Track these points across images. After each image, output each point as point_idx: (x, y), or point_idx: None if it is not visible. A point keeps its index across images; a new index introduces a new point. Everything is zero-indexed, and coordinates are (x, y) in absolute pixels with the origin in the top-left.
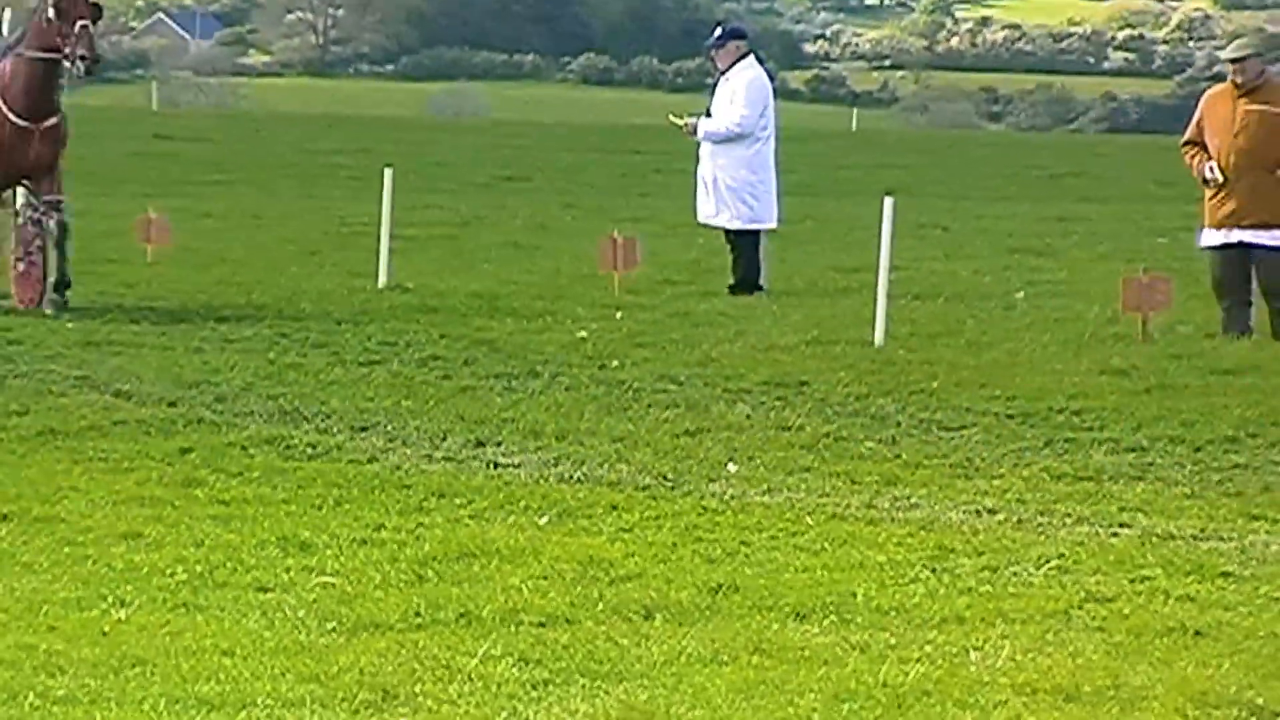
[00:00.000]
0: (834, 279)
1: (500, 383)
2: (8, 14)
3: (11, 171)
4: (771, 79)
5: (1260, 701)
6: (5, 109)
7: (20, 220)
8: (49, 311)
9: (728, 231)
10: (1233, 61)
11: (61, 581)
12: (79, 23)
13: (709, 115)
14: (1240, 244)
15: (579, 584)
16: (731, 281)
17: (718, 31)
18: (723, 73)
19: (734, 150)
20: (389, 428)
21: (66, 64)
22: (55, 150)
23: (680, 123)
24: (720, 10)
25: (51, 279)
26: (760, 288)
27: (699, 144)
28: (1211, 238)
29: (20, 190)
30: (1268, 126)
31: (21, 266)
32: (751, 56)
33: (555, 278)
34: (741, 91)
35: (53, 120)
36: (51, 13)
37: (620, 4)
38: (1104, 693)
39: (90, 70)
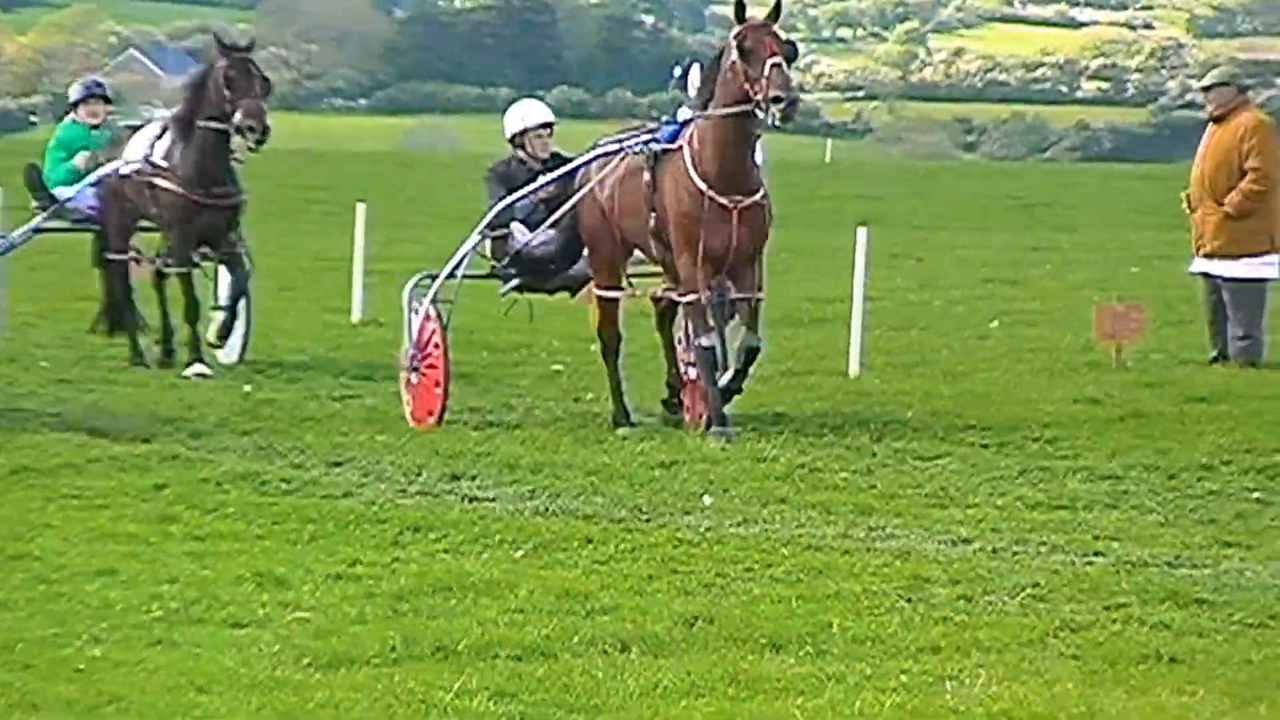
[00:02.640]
0: (809, 309)
1: (476, 416)
2: (695, 72)
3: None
4: None
5: None
6: (696, 180)
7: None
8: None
9: None
10: (1204, 90)
11: (36, 619)
12: (770, 62)
13: None
14: (1206, 273)
15: (555, 617)
16: None
17: (677, 70)
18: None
19: None
20: (364, 462)
21: (763, 113)
22: (760, 234)
23: None
24: (694, 42)
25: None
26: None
27: None
28: (1193, 265)
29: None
30: (1222, 155)
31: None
32: None
33: (530, 311)
34: None
35: (758, 195)
36: (736, 54)
37: (594, 37)
38: None
39: (787, 116)
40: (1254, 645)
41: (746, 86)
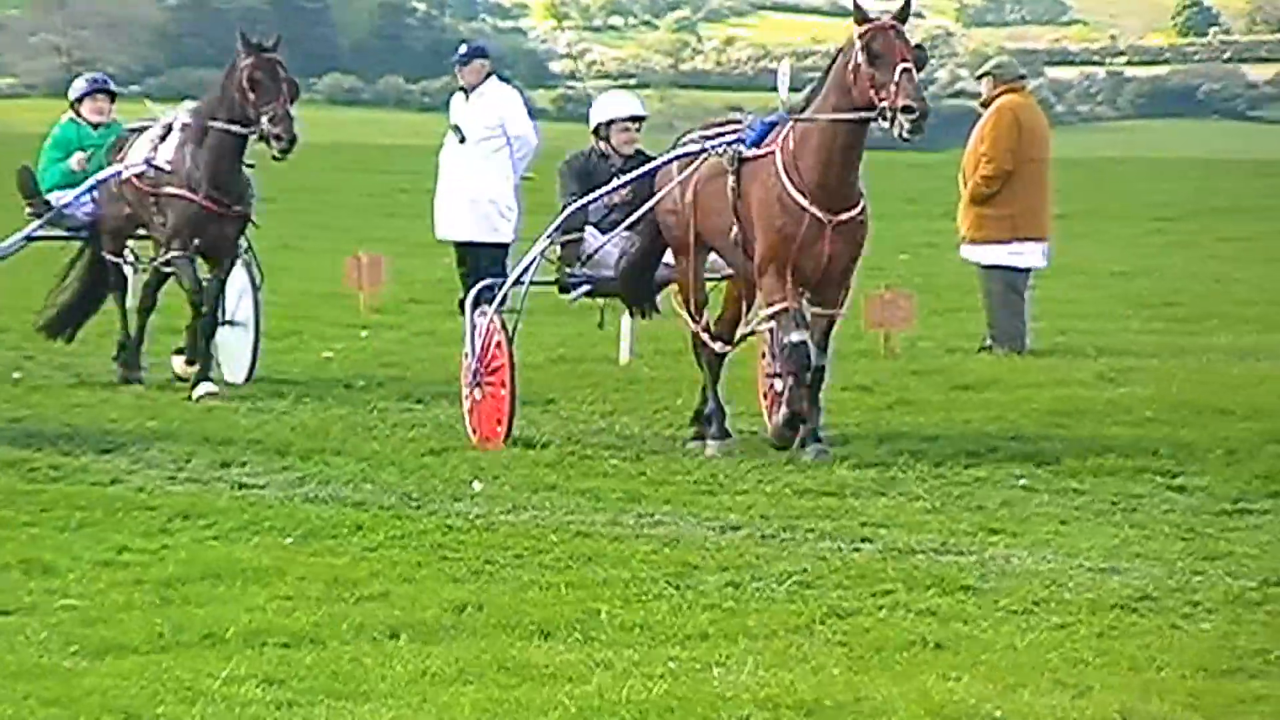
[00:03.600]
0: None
1: (246, 403)
2: (785, 66)
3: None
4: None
5: (999, 714)
6: (791, 191)
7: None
8: None
9: (477, 247)
10: (978, 78)
11: None
12: (900, 68)
13: (457, 130)
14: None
15: (324, 604)
16: (463, 297)
17: (463, 49)
18: (470, 90)
19: (498, 164)
20: (133, 450)
21: (886, 122)
22: (856, 250)
23: None
24: (466, 30)
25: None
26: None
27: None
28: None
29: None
30: (972, 144)
31: None
32: (495, 76)
33: (301, 298)
34: (515, 104)
35: (857, 209)
36: (862, 56)
37: (366, 24)
38: (845, 707)
39: (917, 129)
40: (1018, 631)
41: (871, 93)
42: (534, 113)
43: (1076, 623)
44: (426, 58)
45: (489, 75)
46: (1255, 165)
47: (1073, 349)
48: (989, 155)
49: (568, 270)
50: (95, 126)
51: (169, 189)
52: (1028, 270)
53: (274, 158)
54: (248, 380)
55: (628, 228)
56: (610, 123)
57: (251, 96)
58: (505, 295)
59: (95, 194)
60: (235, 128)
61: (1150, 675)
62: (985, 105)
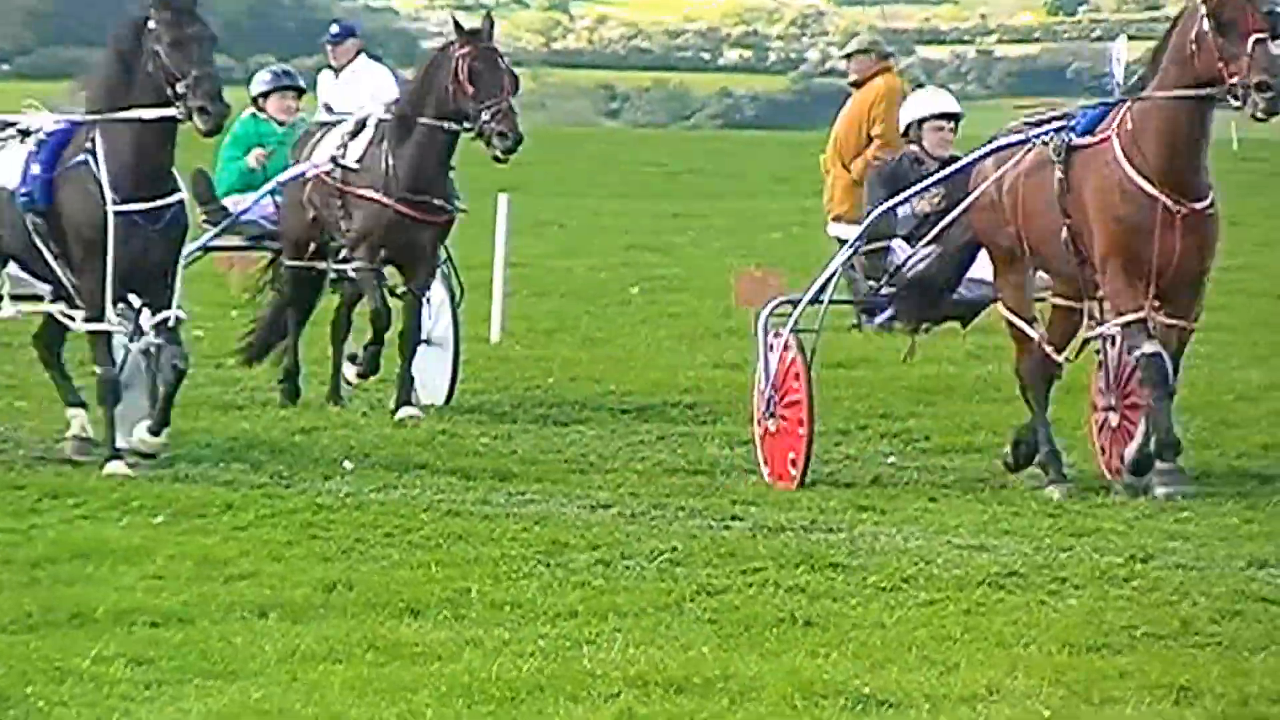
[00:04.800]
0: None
1: None
2: (1120, 45)
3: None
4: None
5: (867, 690)
6: (1134, 177)
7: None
8: None
9: None
10: (846, 57)
11: None
12: (1254, 38)
13: (328, 109)
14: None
15: (193, 583)
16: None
17: (334, 28)
18: (340, 68)
19: None
20: (0, 429)
21: (1236, 100)
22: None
23: None
24: (338, 9)
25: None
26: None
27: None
28: (827, 229)
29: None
30: (853, 120)
31: None
32: (365, 54)
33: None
34: (386, 82)
35: (1207, 201)
36: (1208, 24)
37: (238, 3)
38: (714, 684)
39: (1274, 109)
40: (887, 608)
41: (1220, 66)
42: None
43: (944, 599)
44: (298, 37)
45: (359, 54)
46: None
47: (942, 327)
48: (885, 136)
49: (871, 285)
50: (280, 124)
51: (358, 190)
52: None
53: (495, 158)
54: (447, 403)
55: (934, 238)
56: (921, 121)
57: (470, 90)
58: (800, 314)
59: (277, 197)
60: (447, 124)
61: (1017, 651)
62: (857, 85)
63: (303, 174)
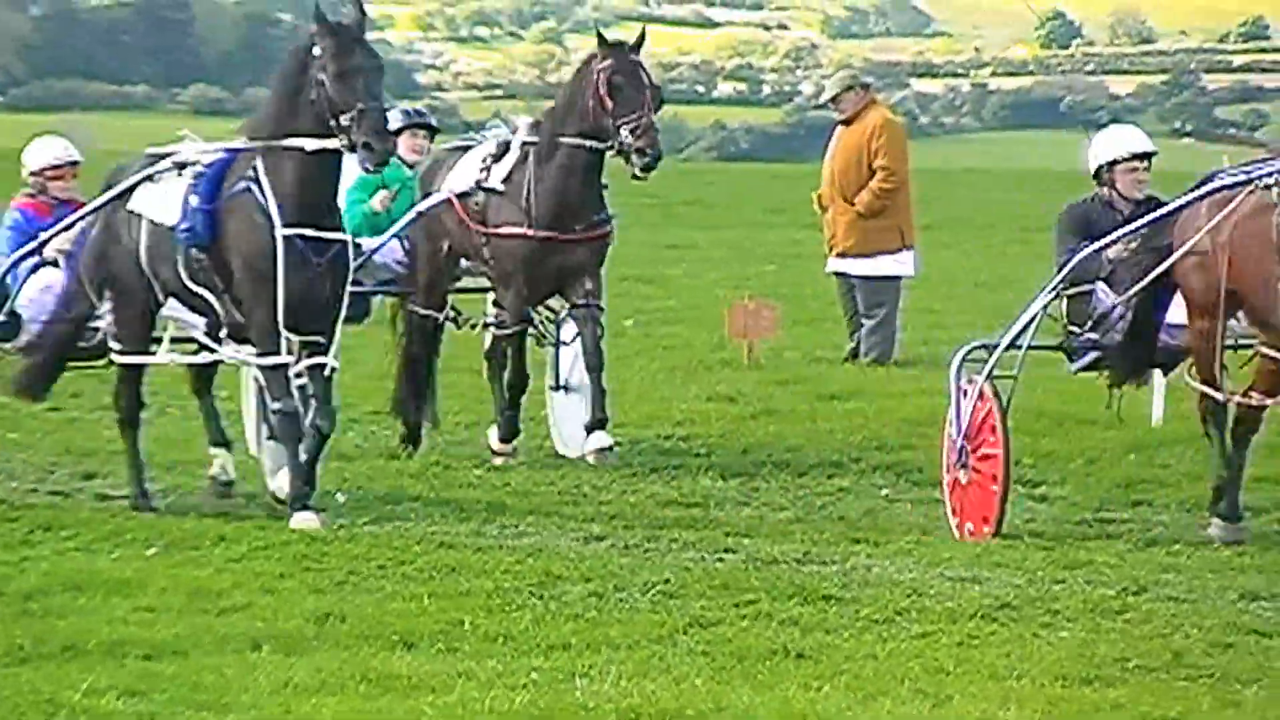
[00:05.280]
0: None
1: (109, 415)
2: None
3: None
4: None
5: None
6: None
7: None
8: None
9: None
10: (830, 102)
11: None
12: None
13: None
14: (841, 272)
15: (186, 615)
16: None
17: None
18: None
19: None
20: None
21: None
22: None
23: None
24: None
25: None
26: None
27: None
28: (828, 264)
29: None
30: (852, 155)
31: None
32: None
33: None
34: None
35: None
36: None
37: (231, 34)
38: (707, 716)
39: None
40: (880, 640)
41: None
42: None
43: (937, 631)
44: None
45: None
46: None
47: (936, 359)
48: (890, 168)
49: (1072, 330)
50: (409, 165)
51: (501, 218)
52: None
53: (634, 176)
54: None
55: (1134, 284)
56: (1112, 164)
57: (610, 105)
58: (996, 360)
59: (407, 236)
60: (590, 142)
61: (1010, 684)
62: (848, 121)
63: (439, 204)
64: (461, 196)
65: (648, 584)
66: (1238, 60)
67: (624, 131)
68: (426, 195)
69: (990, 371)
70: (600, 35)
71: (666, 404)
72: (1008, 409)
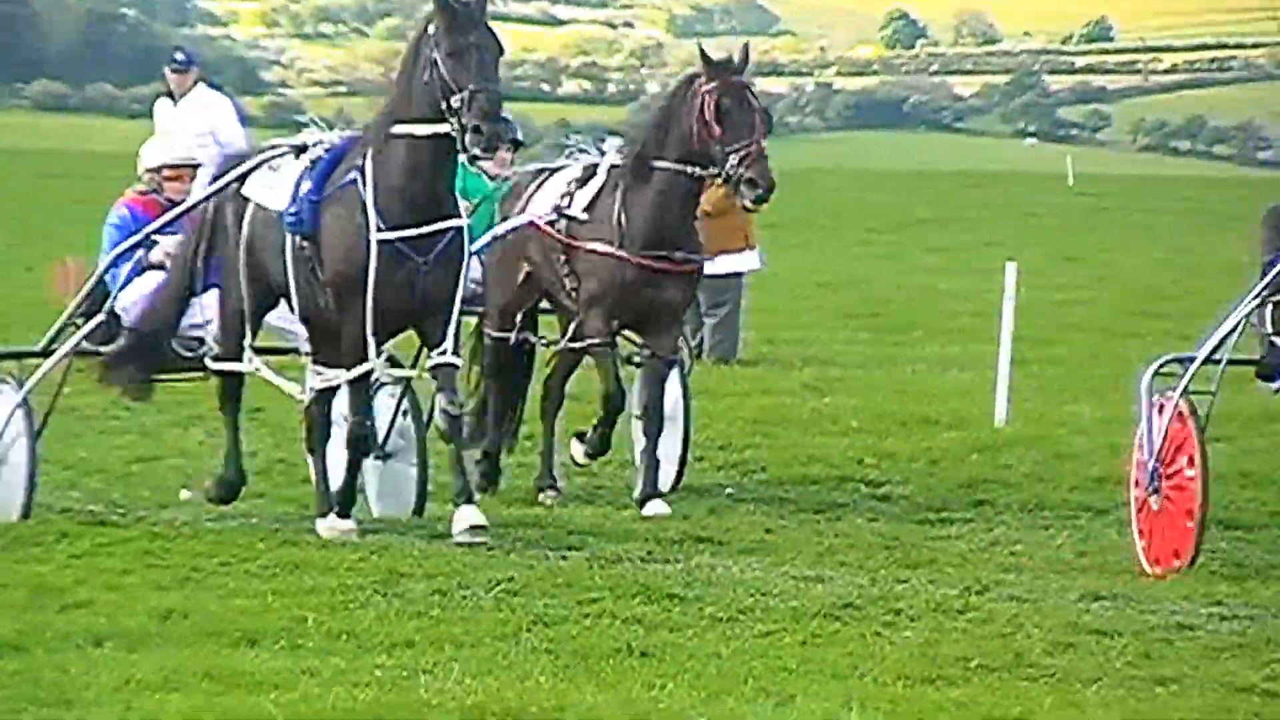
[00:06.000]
0: None
1: None
2: None
3: None
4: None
5: None
6: None
7: None
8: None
9: None
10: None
11: None
12: None
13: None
14: None
15: (28, 612)
16: None
17: (180, 55)
18: (179, 97)
19: (209, 171)
20: None
21: None
22: None
23: None
24: (176, 36)
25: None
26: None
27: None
28: None
29: None
30: None
31: None
32: (204, 83)
33: (7, 304)
34: (225, 110)
35: None
36: None
37: (74, 30)
38: (550, 714)
39: None
40: (723, 639)
41: None
42: (244, 119)
43: (781, 630)
44: (136, 64)
45: (198, 82)
46: (962, 176)
47: (779, 359)
48: None
49: (1275, 340)
50: (491, 178)
51: (587, 244)
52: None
53: (745, 207)
54: (673, 490)
55: None
56: None
57: (717, 130)
58: (1193, 375)
59: (484, 256)
60: (690, 169)
61: (853, 683)
62: None
63: (517, 227)
64: (545, 220)
65: (491, 582)
66: (1080, 61)
67: (733, 160)
68: (504, 219)
69: (1185, 387)
70: (703, 52)
71: None
72: (1205, 428)
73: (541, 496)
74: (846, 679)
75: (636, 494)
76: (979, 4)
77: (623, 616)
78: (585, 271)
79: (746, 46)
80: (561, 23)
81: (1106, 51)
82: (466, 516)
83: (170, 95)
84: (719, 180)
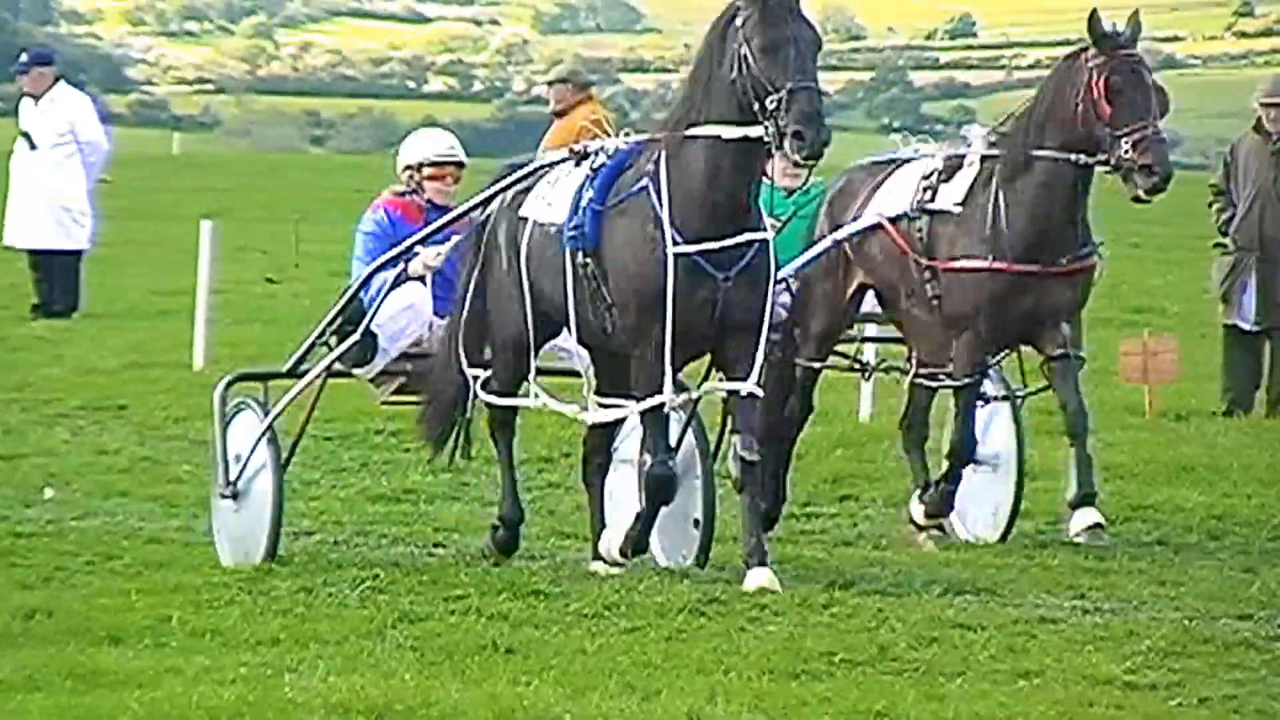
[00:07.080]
0: (154, 302)
1: None
2: None
3: None
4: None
5: (568, 717)
6: None
7: None
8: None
9: (44, 253)
10: (548, 85)
11: None
12: None
13: (27, 137)
14: None
15: None
16: (36, 302)
17: (24, 57)
18: (38, 96)
19: (71, 170)
20: None
21: None
22: None
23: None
24: (40, 35)
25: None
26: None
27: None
28: None
29: None
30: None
31: None
32: (63, 81)
33: None
34: (85, 109)
35: None
36: None
37: None
38: (416, 711)
39: None
40: (589, 635)
41: None
42: (108, 118)
43: (646, 626)
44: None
45: (57, 81)
46: (828, 172)
47: None
48: None
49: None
50: (789, 192)
51: (957, 249)
52: None
53: (1136, 199)
54: (1002, 540)
55: None
56: None
57: (1107, 111)
58: None
59: (798, 274)
60: (1077, 156)
61: (718, 678)
62: (559, 114)
63: (866, 229)
64: (894, 221)
65: (357, 579)
66: (945, 57)
67: (1124, 144)
68: (837, 226)
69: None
70: (1093, 24)
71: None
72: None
73: (921, 538)
74: (711, 674)
75: (1070, 497)
76: (843, 1)
77: (488, 613)
78: (949, 286)
79: (1136, 14)
80: (427, 20)
81: (971, 47)
82: (756, 580)
83: (32, 96)
84: (1109, 168)
